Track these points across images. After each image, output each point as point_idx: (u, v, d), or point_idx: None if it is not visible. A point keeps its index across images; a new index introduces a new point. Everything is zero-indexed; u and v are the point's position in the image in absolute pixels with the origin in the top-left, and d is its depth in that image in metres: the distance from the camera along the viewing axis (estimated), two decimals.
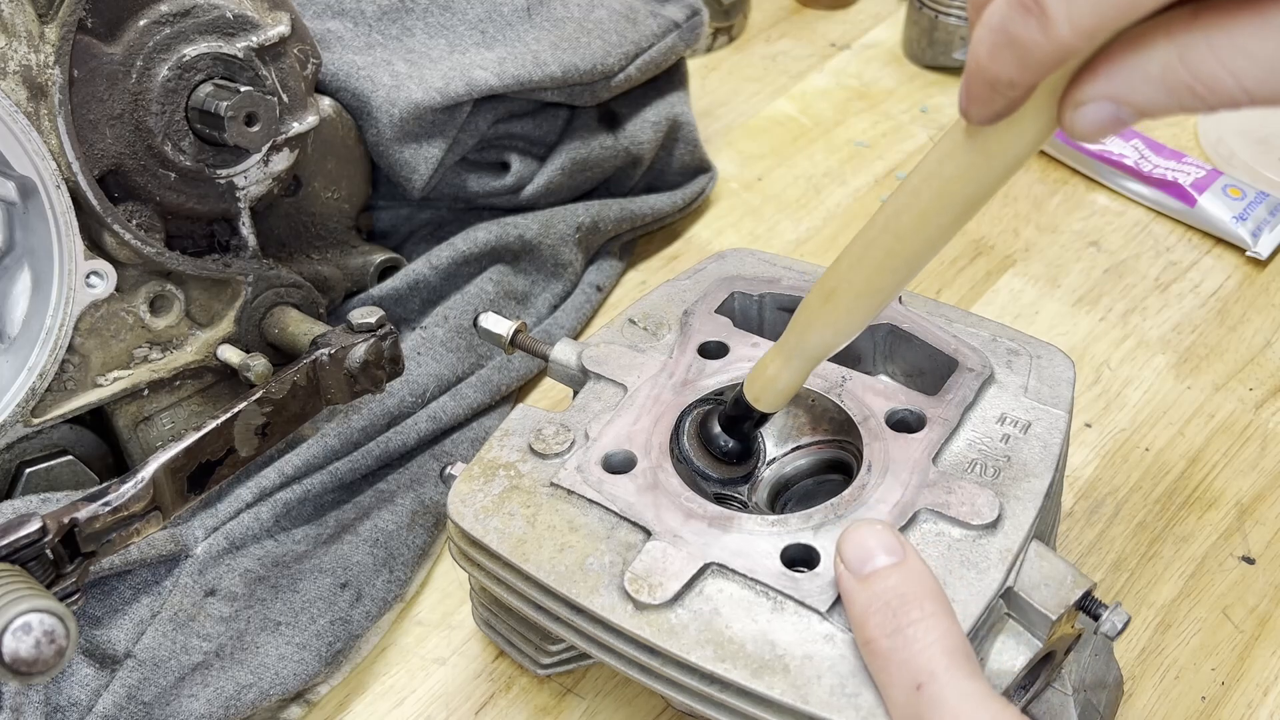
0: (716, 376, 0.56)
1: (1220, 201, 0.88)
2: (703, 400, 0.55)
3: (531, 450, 0.53)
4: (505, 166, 0.83)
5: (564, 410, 0.56)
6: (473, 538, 0.50)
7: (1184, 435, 0.74)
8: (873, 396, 0.55)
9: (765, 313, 0.62)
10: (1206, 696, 0.60)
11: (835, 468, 0.57)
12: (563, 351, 0.60)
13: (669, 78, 0.90)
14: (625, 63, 0.83)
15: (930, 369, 0.57)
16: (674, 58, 0.88)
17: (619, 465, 0.52)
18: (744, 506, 0.55)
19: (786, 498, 0.57)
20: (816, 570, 0.47)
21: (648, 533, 0.49)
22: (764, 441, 0.57)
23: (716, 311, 0.60)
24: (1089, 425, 0.74)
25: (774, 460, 0.57)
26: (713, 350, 0.58)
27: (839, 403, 0.55)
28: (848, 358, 0.58)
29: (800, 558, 0.48)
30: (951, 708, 0.39)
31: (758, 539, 0.48)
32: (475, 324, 0.63)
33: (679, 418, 0.54)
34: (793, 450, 0.57)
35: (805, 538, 0.48)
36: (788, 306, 0.61)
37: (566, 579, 0.48)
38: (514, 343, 0.62)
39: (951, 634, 0.41)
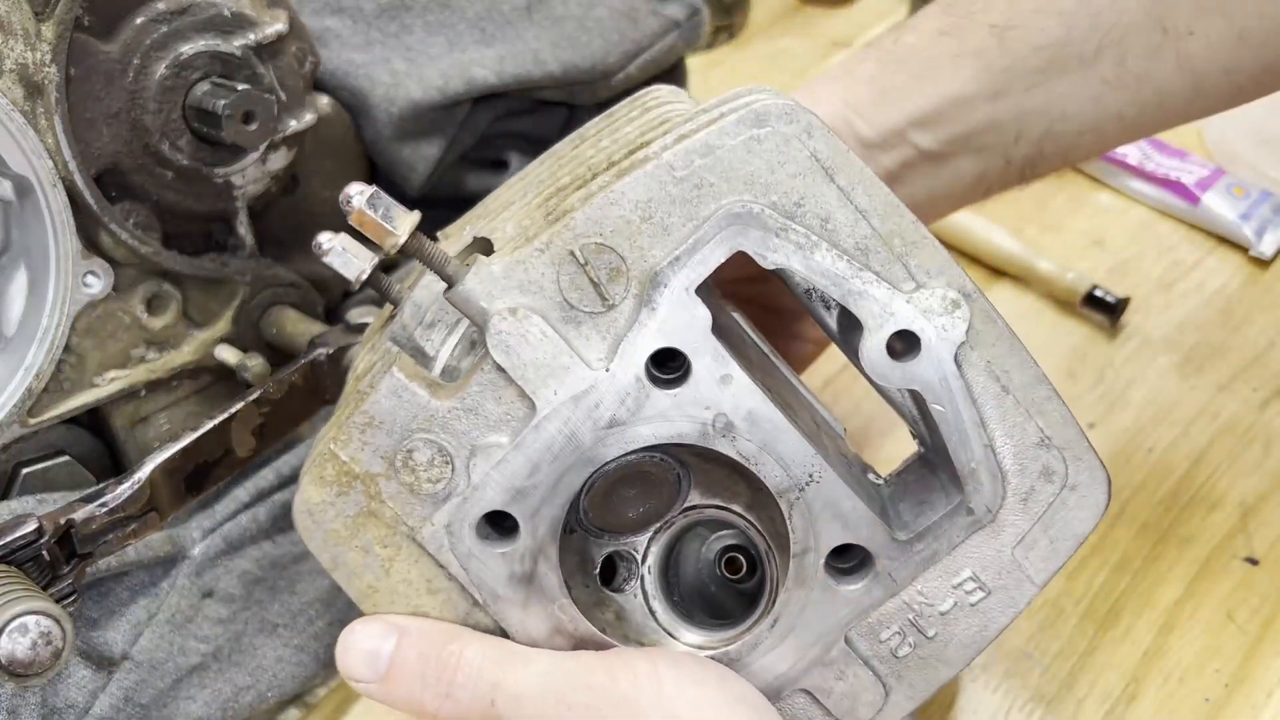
0: (652, 425, 0.43)
1: (1224, 201, 0.87)
2: (622, 457, 0.44)
3: (397, 473, 0.44)
4: (504, 165, 0.82)
5: (447, 402, 0.44)
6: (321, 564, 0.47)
7: (1188, 436, 0.74)
8: (828, 521, 0.45)
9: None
10: (1210, 698, 0.60)
11: (739, 547, 0.50)
12: (475, 285, 0.43)
13: (669, 76, 0.90)
14: (625, 61, 0.83)
15: (942, 464, 0.47)
16: (674, 57, 0.88)
17: (497, 531, 0.45)
18: (637, 564, 0.50)
19: (677, 554, 0.51)
20: None
21: (505, 635, 0.46)
22: (686, 486, 0.48)
23: (698, 290, 0.43)
24: (1092, 426, 0.74)
25: (691, 508, 0.49)
26: (664, 362, 0.44)
27: (787, 519, 0.45)
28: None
29: None
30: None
31: None
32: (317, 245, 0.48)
33: (587, 482, 0.45)
34: (712, 507, 0.49)
35: None
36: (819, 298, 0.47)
37: None
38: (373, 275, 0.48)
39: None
